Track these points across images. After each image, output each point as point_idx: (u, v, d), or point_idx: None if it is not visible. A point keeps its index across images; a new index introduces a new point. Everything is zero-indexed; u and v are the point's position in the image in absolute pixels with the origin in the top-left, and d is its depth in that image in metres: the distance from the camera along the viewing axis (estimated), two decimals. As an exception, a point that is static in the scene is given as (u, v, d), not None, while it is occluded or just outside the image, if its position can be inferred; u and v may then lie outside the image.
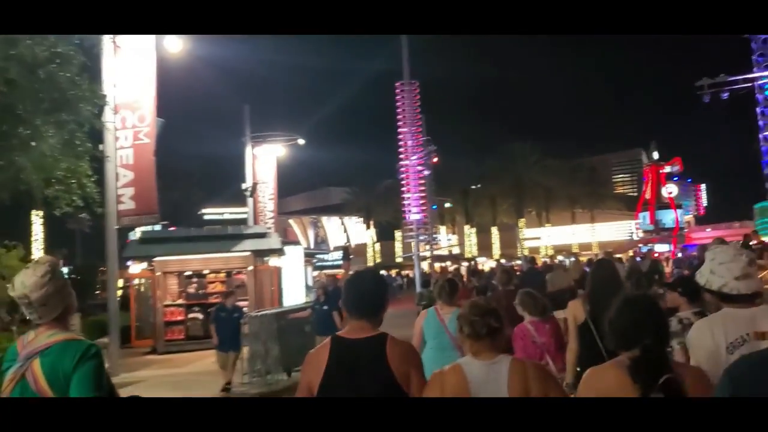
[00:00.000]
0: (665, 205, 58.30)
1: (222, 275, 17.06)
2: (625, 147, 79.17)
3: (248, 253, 16.53)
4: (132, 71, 12.73)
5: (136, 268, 16.80)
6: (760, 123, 20.60)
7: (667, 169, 63.27)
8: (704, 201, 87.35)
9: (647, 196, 61.94)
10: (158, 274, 16.66)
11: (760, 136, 20.77)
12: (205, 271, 17.01)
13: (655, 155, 59.19)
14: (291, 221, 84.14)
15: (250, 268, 16.60)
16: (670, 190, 61.23)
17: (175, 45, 13.43)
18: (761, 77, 19.42)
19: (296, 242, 36.74)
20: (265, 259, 18.08)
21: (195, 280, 16.91)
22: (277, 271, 19.54)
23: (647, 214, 56.69)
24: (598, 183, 62.05)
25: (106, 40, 12.22)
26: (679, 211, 57.26)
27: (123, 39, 12.40)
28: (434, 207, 43.42)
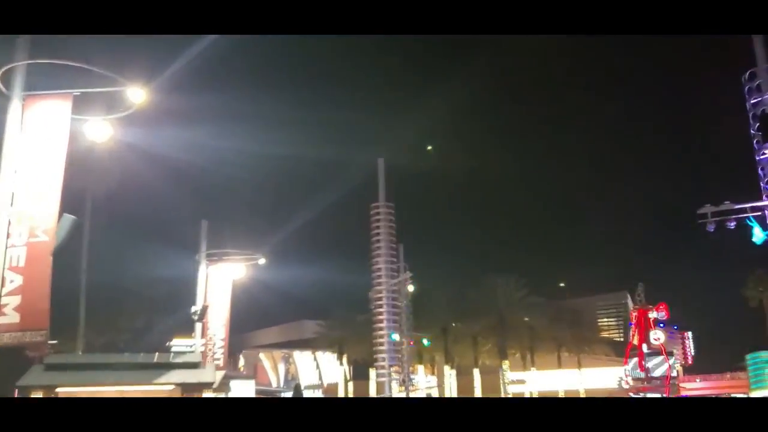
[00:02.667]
0: (655, 353, 55.64)
1: (140, 414, 13.96)
2: (610, 290, 77.46)
3: (172, 387, 13.52)
4: (37, 154, 10.56)
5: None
6: None
7: (653, 314, 61.29)
8: (691, 350, 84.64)
9: (635, 341, 59.43)
10: (63, 409, 13.57)
11: None
12: (120, 408, 13.93)
13: (641, 295, 57.46)
14: (261, 355, 79.53)
15: (176, 405, 13.56)
16: (657, 336, 58.91)
17: (99, 130, 11.38)
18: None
19: (247, 376, 33.09)
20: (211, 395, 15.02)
21: (105, 419, 13.77)
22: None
23: (636, 360, 53.91)
24: (585, 326, 59.45)
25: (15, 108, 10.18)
26: (670, 359, 54.53)
27: (33, 114, 10.35)
28: (411, 343, 40.38)
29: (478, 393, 52.79)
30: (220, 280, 22.43)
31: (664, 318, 60.90)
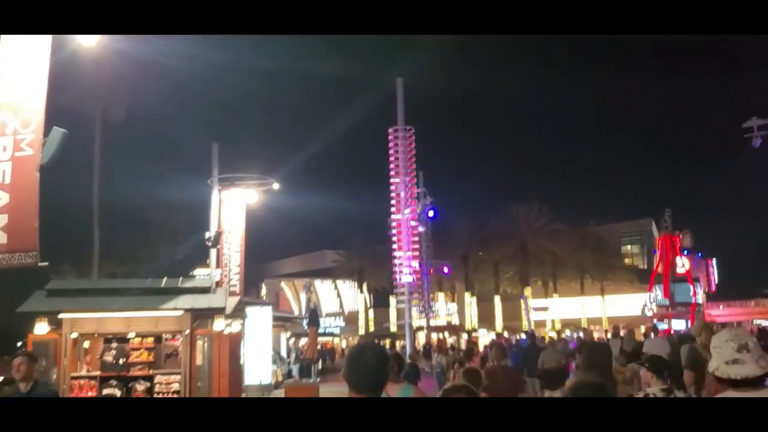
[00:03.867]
0: (680, 279, 54.78)
1: (150, 341, 13.39)
2: (634, 217, 75.86)
3: (181, 312, 12.88)
4: (19, 66, 9.52)
5: (41, 328, 13.12)
6: None
7: (680, 241, 60.07)
8: (715, 277, 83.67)
9: (660, 269, 58.49)
10: (72, 336, 13.05)
11: None
12: (130, 335, 13.36)
13: (669, 222, 56.05)
14: (283, 284, 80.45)
15: (187, 331, 12.93)
16: (683, 263, 57.95)
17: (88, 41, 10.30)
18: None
19: (265, 303, 32.83)
20: (226, 322, 14.46)
21: (114, 345, 13.23)
22: (234, 337, 15.80)
23: (661, 287, 53.12)
24: (608, 252, 58.39)
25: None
26: (697, 285, 53.57)
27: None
28: (431, 271, 39.87)
29: (498, 320, 52.67)
30: (233, 206, 21.62)
31: (689, 245, 59.85)
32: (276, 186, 21.72)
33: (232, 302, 16.15)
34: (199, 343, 13.45)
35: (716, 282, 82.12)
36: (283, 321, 34.58)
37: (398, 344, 41.61)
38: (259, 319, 20.80)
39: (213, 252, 20.12)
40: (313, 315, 20.66)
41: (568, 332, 45.37)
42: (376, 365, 2.77)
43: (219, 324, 13.63)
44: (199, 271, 48.23)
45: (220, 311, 13.60)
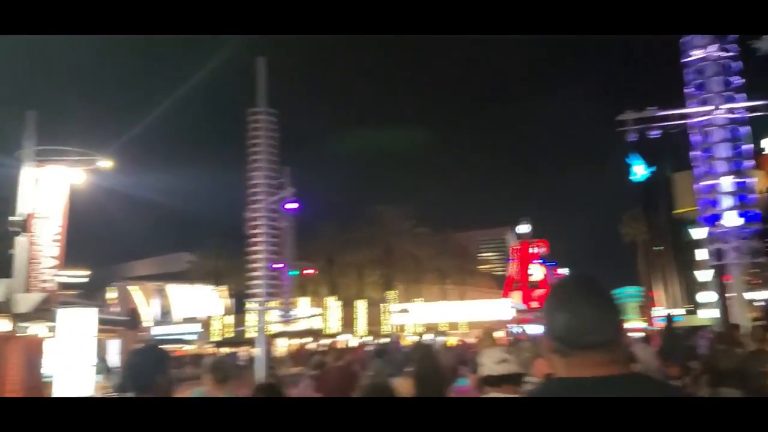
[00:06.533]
0: (536, 285, 56.87)
1: None
2: (493, 225, 78.71)
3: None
4: None
5: None
6: (700, 169, 17.15)
7: (534, 249, 62.71)
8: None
9: (515, 275, 60.60)
10: None
11: (700, 185, 17.25)
12: None
13: (526, 230, 58.10)
14: (133, 288, 74.37)
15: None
16: (535, 271, 60.48)
17: None
18: (699, 113, 16.09)
19: (87, 304, 28.56)
20: (25, 324, 11.29)
21: None
22: (32, 342, 12.57)
23: (519, 293, 54.76)
24: (467, 258, 59.48)
25: None
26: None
27: None
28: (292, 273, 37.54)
29: (362, 324, 51.43)
30: (51, 186, 17.98)
31: (543, 253, 62.66)
32: (107, 164, 18.29)
33: (30, 299, 12.90)
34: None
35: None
36: (109, 324, 30.35)
37: (254, 351, 38.82)
38: (77, 322, 17.32)
39: (20, 240, 16.49)
40: (132, 317, 17.58)
41: (431, 336, 45.08)
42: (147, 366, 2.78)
43: (35, 329, 10.49)
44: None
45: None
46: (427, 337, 42.47)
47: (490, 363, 3.54)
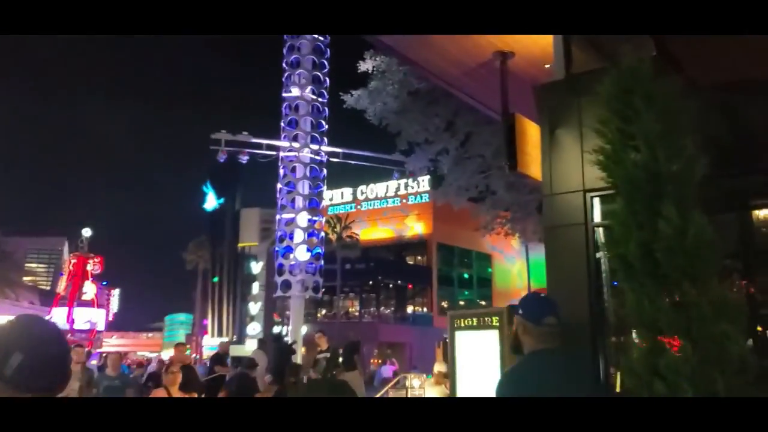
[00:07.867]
0: (86, 304, 51.99)
1: None
2: (47, 234, 69.70)
3: None
4: None
5: None
6: (282, 202, 17.54)
7: (90, 266, 57.87)
8: (115, 306, 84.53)
9: (62, 291, 54.59)
10: None
11: (279, 217, 17.65)
12: None
13: (84, 244, 53.00)
14: None
15: None
16: (89, 289, 55.69)
17: None
18: (291, 147, 16.67)
19: None
20: None
21: None
22: None
23: (65, 310, 49.05)
24: (12, 267, 50.95)
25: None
26: (102, 312, 51.89)
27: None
28: None
29: None
30: None
31: (98, 271, 58.28)
32: None
33: None
34: None
35: (114, 312, 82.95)
36: None
37: None
38: None
39: None
40: None
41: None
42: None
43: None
44: None
45: None
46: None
47: None
